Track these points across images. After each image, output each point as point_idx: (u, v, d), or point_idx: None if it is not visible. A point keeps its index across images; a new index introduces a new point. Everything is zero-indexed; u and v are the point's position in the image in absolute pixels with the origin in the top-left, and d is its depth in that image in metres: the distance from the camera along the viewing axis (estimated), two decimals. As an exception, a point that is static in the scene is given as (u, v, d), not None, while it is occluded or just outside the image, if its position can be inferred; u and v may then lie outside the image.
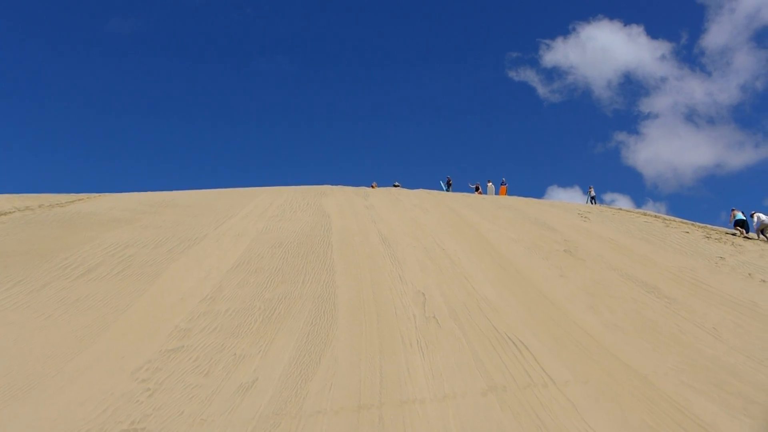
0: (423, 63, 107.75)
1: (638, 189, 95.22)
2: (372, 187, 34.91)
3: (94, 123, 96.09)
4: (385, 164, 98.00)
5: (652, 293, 13.62)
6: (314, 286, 13.65)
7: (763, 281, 14.84)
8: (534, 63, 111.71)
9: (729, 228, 24.28)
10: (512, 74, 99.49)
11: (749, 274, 15.53)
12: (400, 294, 13.26)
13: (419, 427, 7.95)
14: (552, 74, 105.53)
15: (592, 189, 34.82)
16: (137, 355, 10.08)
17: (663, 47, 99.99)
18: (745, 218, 23.52)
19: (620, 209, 30.59)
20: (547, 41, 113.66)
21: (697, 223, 25.66)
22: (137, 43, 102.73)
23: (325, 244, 17.57)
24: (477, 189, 37.15)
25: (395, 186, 36.79)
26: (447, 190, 36.75)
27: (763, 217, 22.80)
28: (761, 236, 22.56)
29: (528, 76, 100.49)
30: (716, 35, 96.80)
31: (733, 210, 24.12)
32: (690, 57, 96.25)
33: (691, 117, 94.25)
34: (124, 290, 13.11)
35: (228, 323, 11.49)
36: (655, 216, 27.44)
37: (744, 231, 23.23)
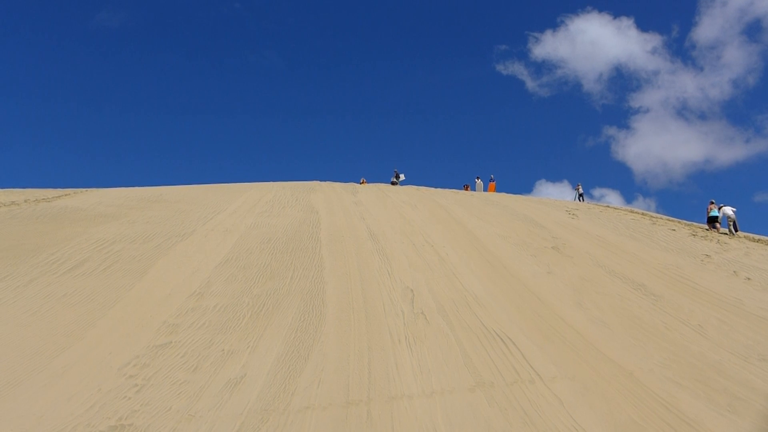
0: (410, 56, 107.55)
1: (628, 184, 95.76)
2: (361, 183, 34.88)
3: (81, 118, 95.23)
4: (373, 160, 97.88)
5: (639, 290, 13.75)
6: (303, 282, 13.64)
7: (748, 279, 15.02)
8: (523, 56, 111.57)
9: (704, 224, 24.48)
10: (500, 68, 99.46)
11: (734, 272, 15.71)
12: (388, 290, 13.29)
13: (407, 423, 7.98)
14: (541, 68, 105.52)
15: (580, 186, 35.05)
16: (125, 350, 10.04)
17: (653, 40, 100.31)
18: (717, 214, 23.74)
19: (608, 206, 30.81)
20: (536, 34, 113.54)
21: (684, 221, 25.91)
22: (125, 37, 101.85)
23: (314, 240, 17.55)
24: (466, 186, 37.27)
25: (397, 176, 36.74)
26: (400, 183, 36.72)
27: (729, 211, 23.11)
28: (730, 229, 22.85)
29: (517, 69, 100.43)
30: (707, 28, 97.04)
31: (710, 204, 24.28)
32: (681, 50, 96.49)
33: (682, 112, 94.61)
34: (111, 286, 13.03)
35: (216, 319, 11.46)
36: (642, 213, 27.67)
37: (717, 226, 23.42)
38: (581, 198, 34.70)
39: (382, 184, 35.40)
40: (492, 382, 9.14)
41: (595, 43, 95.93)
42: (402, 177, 36.97)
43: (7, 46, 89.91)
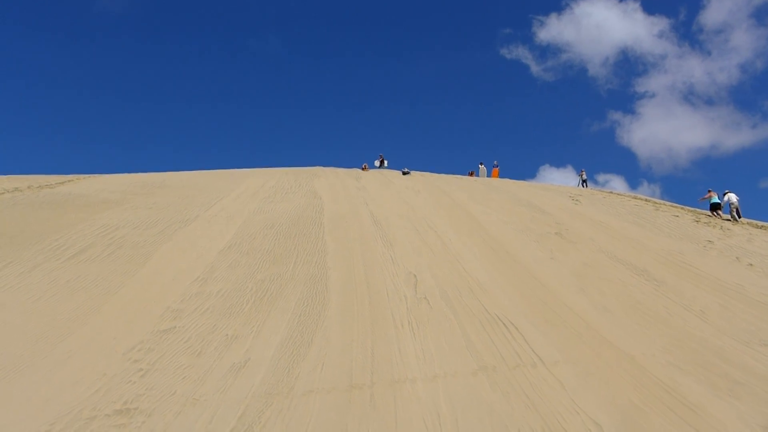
0: (413, 41, 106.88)
1: (632, 170, 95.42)
2: (363, 169, 34.82)
3: (83, 104, 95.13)
4: (376, 147, 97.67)
5: (642, 276, 13.76)
6: (306, 268, 13.68)
7: (751, 265, 15.01)
8: (527, 40, 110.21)
9: (705, 209, 24.52)
10: (504, 52, 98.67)
11: (737, 258, 15.70)
12: (391, 275, 13.32)
13: (410, 407, 8.04)
14: (546, 52, 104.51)
15: (584, 172, 34.98)
16: (129, 335, 10.10)
17: (660, 23, 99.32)
18: (719, 201, 23.79)
19: (611, 192, 30.76)
20: (541, 17, 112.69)
21: (687, 207, 25.87)
22: (126, 23, 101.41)
23: (317, 226, 17.57)
24: (471, 173, 37.22)
25: (382, 161, 36.54)
26: (381, 168, 36.43)
27: (733, 197, 23.15)
28: (733, 216, 22.91)
29: (521, 53, 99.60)
30: (715, 11, 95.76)
31: (709, 191, 24.31)
32: (688, 34, 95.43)
33: (689, 97, 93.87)
34: (115, 271, 13.08)
35: (220, 304, 11.52)
36: (646, 199, 27.62)
37: (720, 213, 23.53)
38: (584, 184, 34.64)
39: (386, 170, 35.33)
40: (494, 366, 9.19)
41: (600, 27, 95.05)
42: (386, 163, 36.79)
43: (8, 32, 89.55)
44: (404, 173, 32.73)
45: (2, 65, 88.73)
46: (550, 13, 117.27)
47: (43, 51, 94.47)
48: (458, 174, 36.18)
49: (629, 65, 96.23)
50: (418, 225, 18.27)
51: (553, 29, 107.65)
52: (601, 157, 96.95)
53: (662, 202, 27.60)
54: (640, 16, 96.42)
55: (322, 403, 8.12)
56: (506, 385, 8.60)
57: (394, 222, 18.50)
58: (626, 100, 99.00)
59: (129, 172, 30.13)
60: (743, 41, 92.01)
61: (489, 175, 36.59)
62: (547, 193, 26.52)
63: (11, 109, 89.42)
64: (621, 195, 29.44)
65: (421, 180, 29.48)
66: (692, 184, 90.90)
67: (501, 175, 36.39)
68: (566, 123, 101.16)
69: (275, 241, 15.80)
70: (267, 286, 12.52)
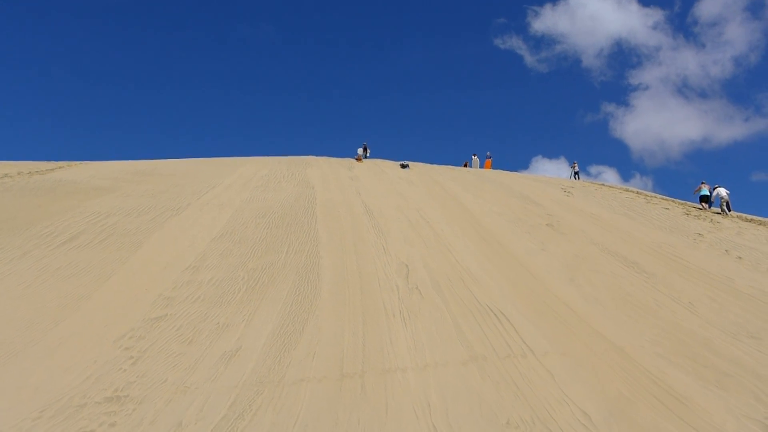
0: (407, 29, 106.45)
1: (625, 162, 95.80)
2: (357, 159, 34.75)
3: (74, 90, 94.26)
4: (368, 136, 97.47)
5: (632, 268, 13.85)
6: (298, 257, 13.68)
7: (739, 258, 15.13)
8: (521, 30, 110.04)
9: (696, 202, 24.73)
10: (498, 42, 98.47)
11: (726, 251, 15.82)
12: (383, 265, 13.34)
13: (400, 396, 8.08)
14: (540, 43, 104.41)
15: (576, 164, 35.10)
16: (120, 323, 10.08)
17: (655, 15, 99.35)
18: (709, 193, 24.01)
19: (603, 185, 30.88)
20: (535, 8, 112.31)
21: (678, 200, 26.02)
22: (117, 8, 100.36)
23: (310, 215, 17.56)
24: (466, 164, 37.24)
25: (365, 149, 36.32)
26: (366, 156, 36.08)
27: (722, 192, 23.36)
28: (723, 209, 23.12)
29: (515, 44, 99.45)
30: (710, 4, 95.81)
31: (701, 183, 24.51)
32: (683, 26, 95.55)
33: (682, 89, 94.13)
34: (106, 259, 13.03)
35: (211, 292, 11.50)
36: (637, 192, 27.75)
37: (707, 206, 23.75)
38: (576, 176, 34.76)
39: (379, 160, 35.27)
40: (485, 356, 9.24)
41: (595, 18, 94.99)
42: (368, 151, 36.51)
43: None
44: (402, 166, 31.82)
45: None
46: (545, 3, 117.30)
47: (33, 36, 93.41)
48: (452, 165, 36.22)
49: (623, 57, 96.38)
50: (411, 215, 18.29)
51: (547, 20, 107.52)
52: (594, 148, 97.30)
53: (653, 194, 27.76)
54: (634, 7, 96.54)
55: (313, 391, 8.15)
56: (496, 375, 8.66)
57: (387, 212, 18.51)
58: (620, 92, 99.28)
59: (121, 159, 29.98)
60: (737, 34, 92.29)
61: (482, 166, 36.62)
62: (539, 185, 26.60)
63: (0, 95, 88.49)
64: (613, 187, 29.57)
65: (414, 171, 29.48)
66: (684, 177, 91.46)
67: (494, 166, 36.47)
68: (560, 114, 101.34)
69: (267, 230, 15.78)
70: (259, 275, 12.51)
